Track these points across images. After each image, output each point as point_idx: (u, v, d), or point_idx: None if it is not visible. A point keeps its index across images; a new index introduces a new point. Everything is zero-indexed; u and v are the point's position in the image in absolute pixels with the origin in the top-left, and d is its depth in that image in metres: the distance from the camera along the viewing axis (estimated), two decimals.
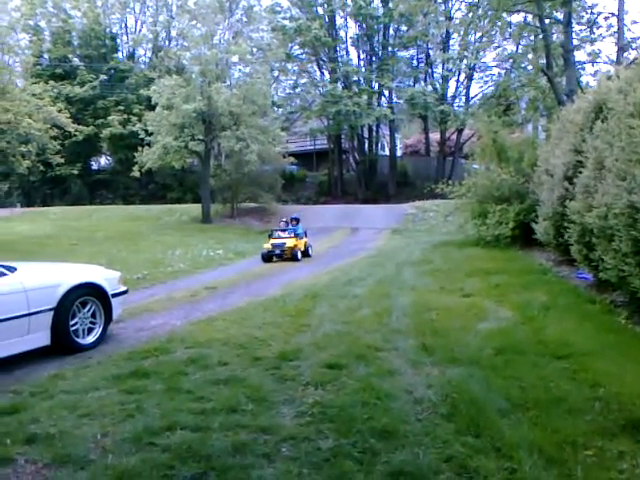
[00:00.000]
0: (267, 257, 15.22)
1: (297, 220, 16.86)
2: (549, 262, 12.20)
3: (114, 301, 7.10)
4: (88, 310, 6.82)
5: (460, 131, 37.50)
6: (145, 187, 38.03)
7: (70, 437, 4.13)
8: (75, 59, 39.56)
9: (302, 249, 15.79)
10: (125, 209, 30.21)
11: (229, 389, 5.10)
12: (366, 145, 39.77)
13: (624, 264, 7.22)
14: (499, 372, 5.41)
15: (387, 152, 40.62)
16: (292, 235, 15.69)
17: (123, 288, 7.58)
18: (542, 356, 5.87)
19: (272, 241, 15.48)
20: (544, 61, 21.94)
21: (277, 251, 15.15)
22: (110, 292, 7.05)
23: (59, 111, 20.00)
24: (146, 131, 26.44)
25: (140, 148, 26.86)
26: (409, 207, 27.02)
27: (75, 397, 4.95)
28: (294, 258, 15.13)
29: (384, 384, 5.08)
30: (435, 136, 41.49)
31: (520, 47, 31.00)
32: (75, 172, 35.72)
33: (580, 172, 9.59)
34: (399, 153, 43.65)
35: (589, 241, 8.94)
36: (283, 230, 16.02)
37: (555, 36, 23.17)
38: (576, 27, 22.70)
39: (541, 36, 21.61)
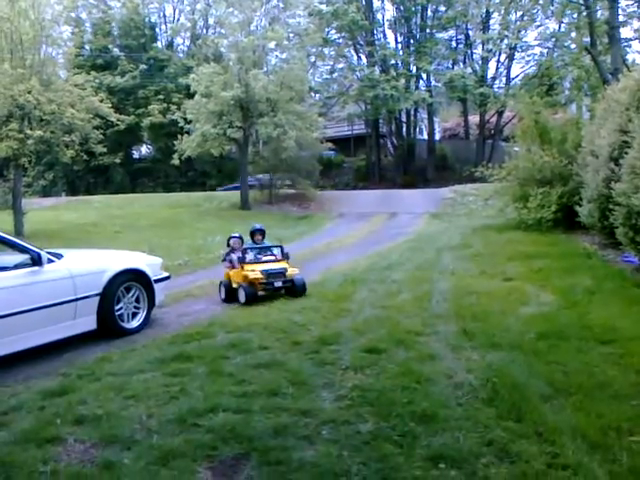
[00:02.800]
0: (252, 296, 8.21)
1: (263, 233, 9.35)
2: (593, 245, 11.90)
3: (157, 286, 7.26)
4: (132, 295, 6.99)
5: (500, 113, 36.72)
6: (185, 175, 38.53)
7: (116, 418, 4.26)
8: (115, 49, 40.24)
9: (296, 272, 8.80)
10: (166, 197, 30.70)
11: (269, 373, 5.17)
12: (404, 129, 39.33)
13: None
14: (541, 357, 5.33)
15: (425, 136, 40.11)
16: (279, 256, 8.96)
17: (165, 274, 7.74)
18: (586, 341, 5.75)
19: (259, 267, 8.53)
20: (588, 39, 21.28)
21: (277, 282, 8.49)
22: (153, 278, 7.21)
23: (101, 101, 20.33)
24: (185, 119, 26.71)
25: (179, 136, 27.18)
26: (448, 191, 26.66)
27: (121, 379, 5.10)
28: (299, 290, 8.46)
29: (424, 368, 5.07)
30: (474, 119, 40.73)
31: (563, 25, 30.11)
32: (117, 161, 36.48)
33: (626, 153, 9.31)
34: (437, 137, 43.06)
35: (635, 223, 8.70)
36: (260, 250, 9.04)
37: (599, 13, 22.40)
38: (622, 2, 21.89)
39: (585, 13, 20.94)
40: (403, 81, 34.19)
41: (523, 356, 5.36)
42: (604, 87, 15.80)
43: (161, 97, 36.21)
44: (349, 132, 41.82)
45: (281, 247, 9.11)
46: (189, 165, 35.67)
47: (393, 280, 9.27)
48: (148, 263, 7.41)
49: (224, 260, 9.26)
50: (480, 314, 6.76)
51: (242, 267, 8.54)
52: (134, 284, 7.01)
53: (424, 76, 38.06)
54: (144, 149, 44.62)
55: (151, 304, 7.20)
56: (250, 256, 8.82)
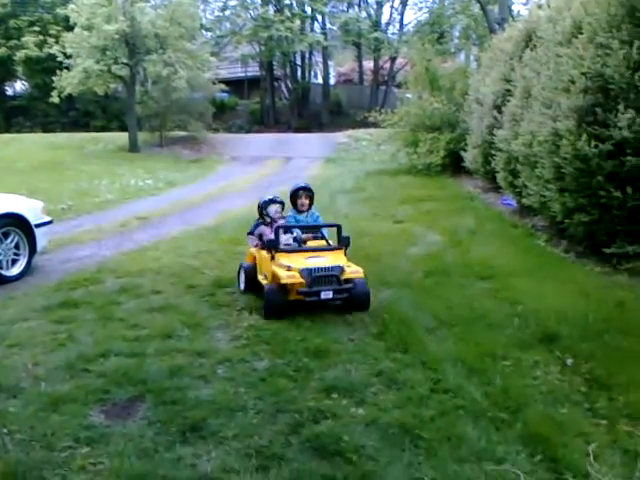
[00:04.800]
0: (277, 309, 5.03)
1: (311, 196, 5.91)
2: (477, 189, 12.59)
3: (38, 232, 6.82)
4: (11, 241, 6.53)
5: (393, 59, 37.16)
6: (66, 114, 35.91)
7: None
8: None
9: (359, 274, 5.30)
10: (45, 137, 28.58)
11: (163, 316, 5.10)
12: (299, 73, 38.84)
13: (545, 190, 7.55)
14: (428, 293, 5.65)
15: (320, 80, 39.87)
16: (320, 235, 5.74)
17: (47, 218, 7.27)
18: (468, 277, 6.16)
19: (300, 261, 5.13)
20: None
21: (327, 292, 5.02)
22: (33, 222, 6.76)
23: None
24: (64, 54, 24.68)
25: (59, 72, 25.16)
26: (342, 136, 26.89)
27: (2, 328, 4.82)
28: (361, 304, 5.21)
29: (317, 308, 5.20)
30: (369, 64, 40.96)
31: None
32: None
33: (508, 101, 9.80)
34: (332, 81, 42.95)
35: (514, 168, 9.26)
36: (304, 229, 5.64)
37: None
38: None
39: None
40: (298, 22, 33.51)
41: (411, 293, 5.65)
42: (491, 36, 16.40)
43: (37, 29, 33.11)
44: (243, 74, 40.68)
45: (338, 226, 5.42)
46: (71, 104, 33.28)
47: None
48: (28, 207, 6.92)
49: (250, 234, 5.95)
50: (373, 255, 6.99)
51: (272, 256, 5.19)
52: (12, 229, 6.54)
53: (319, 18, 37.52)
54: (19, 85, 40.98)
55: (32, 250, 6.77)
56: (287, 238, 5.43)
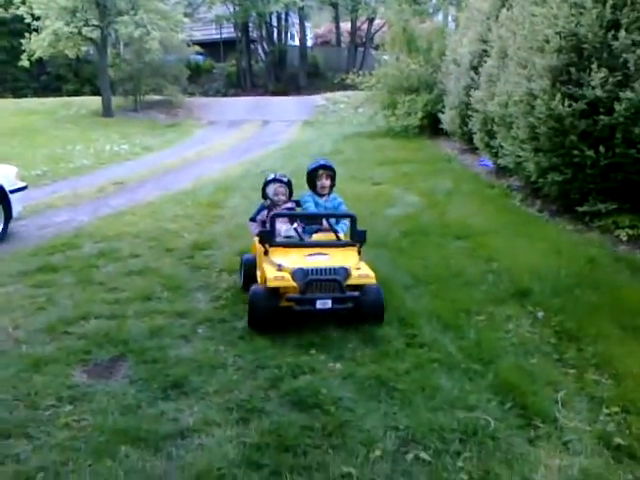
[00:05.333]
0: (261, 318, 4.04)
1: (332, 175, 4.83)
2: (454, 151, 12.65)
3: (12, 197, 6.74)
4: None
5: (371, 20, 36.62)
6: (37, 79, 34.97)
7: None
8: None
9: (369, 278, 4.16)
10: (16, 103, 27.83)
11: (143, 279, 5.13)
12: (275, 34, 38.15)
13: (521, 150, 7.63)
14: (405, 253, 5.74)
15: (297, 42, 39.22)
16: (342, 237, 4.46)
17: (22, 184, 7.17)
18: (444, 237, 6.26)
19: (295, 259, 4.12)
20: None
21: (324, 300, 3.95)
22: (7, 188, 6.67)
23: None
24: (32, 15, 23.93)
25: (27, 35, 24.41)
26: (320, 99, 26.64)
27: None
28: (371, 313, 4.09)
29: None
30: (346, 26, 40.34)
31: None
32: None
33: (485, 61, 9.79)
34: (309, 43, 42.27)
35: (490, 129, 9.32)
36: (311, 219, 4.63)
37: None
38: None
39: None
40: None
41: (389, 253, 5.73)
42: None
43: None
44: (218, 36, 39.80)
45: (352, 217, 4.32)
46: (42, 68, 32.39)
47: None
48: (1, 173, 6.82)
49: (252, 220, 4.91)
50: None
51: (265, 250, 4.23)
52: None
53: None
54: None
55: (8, 216, 6.70)
56: (287, 229, 4.40)
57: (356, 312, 4.03)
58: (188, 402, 3.15)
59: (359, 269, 4.10)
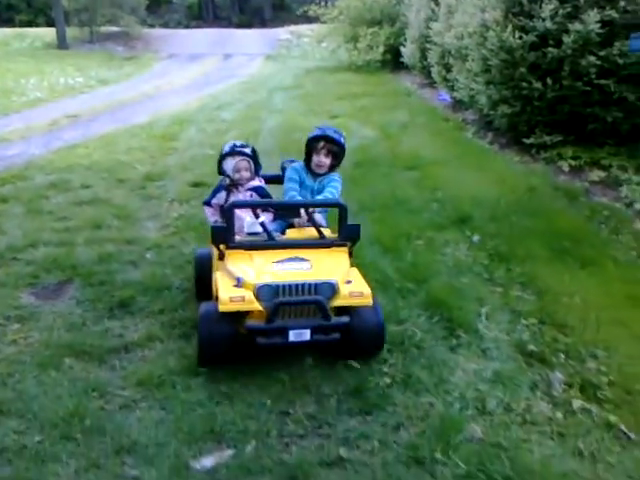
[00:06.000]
0: (214, 350, 2.82)
1: (338, 153, 3.47)
2: (414, 85, 12.64)
3: None
4: None
5: None
6: None
7: None
8: None
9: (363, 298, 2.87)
10: None
11: (93, 209, 5.17)
12: None
13: (474, 83, 7.72)
14: (355, 182, 5.84)
15: None
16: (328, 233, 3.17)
17: None
18: (394, 168, 6.40)
19: (268, 272, 2.85)
20: None
21: (300, 332, 2.77)
22: None
23: None
24: None
25: None
26: (284, 32, 26.04)
27: None
28: (367, 344, 2.97)
29: None
30: None
31: None
32: None
33: None
34: None
35: (447, 62, 9.35)
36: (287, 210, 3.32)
37: None
38: None
39: None
40: None
41: None
42: None
43: None
44: None
45: (341, 206, 3.04)
46: None
47: (223, 120, 9.27)
48: None
49: (207, 204, 3.63)
50: (302, 148, 7.09)
51: (219, 252, 3.05)
52: None
53: None
54: None
55: None
56: (251, 223, 3.12)
57: (344, 343, 2.87)
58: (133, 320, 3.29)
59: (350, 283, 2.87)
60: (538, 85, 6.45)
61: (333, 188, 3.43)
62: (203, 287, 3.34)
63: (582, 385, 2.83)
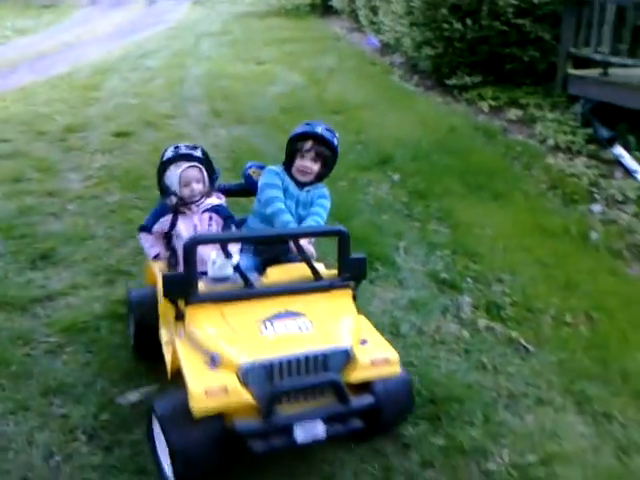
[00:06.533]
0: (204, 463, 1.91)
1: (328, 154, 2.63)
2: (343, 30, 12.52)
3: None
4: None
5: None
6: None
7: None
8: None
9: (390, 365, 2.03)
10: None
11: (12, 162, 5.03)
12: None
13: (399, 25, 7.76)
14: (280, 127, 5.85)
15: None
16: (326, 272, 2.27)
17: None
18: (321, 112, 6.41)
19: (254, 340, 1.94)
20: None
21: (310, 427, 1.89)
22: None
23: None
24: None
25: None
26: None
27: None
28: (393, 422, 2.22)
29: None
30: None
31: None
32: None
33: None
34: None
35: (374, 5, 9.32)
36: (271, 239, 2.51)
37: None
38: None
39: None
40: None
41: (265, 128, 5.88)
42: None
43: None
44: None
45: (342, 234, 2.16)
46: None
47: (147, 68, 9.01)
48: None
49: (146, 230, 2.59)
50: (231, 95, 7.04)
51: (177, 310, 2.08)
52: None
53: None
54: None
55: None
56: (221, 264, 2.15)
57: (371, 427, 2.06)
58: (56, 270, 3.30)
59: (366, 343, 2.06)
60: (458, 26, 6.56)
61: (321, 208, 2.63)
62: (145, 343, 2.51)
63: (488, 306, 3.07)
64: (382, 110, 6.43)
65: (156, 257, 2.57)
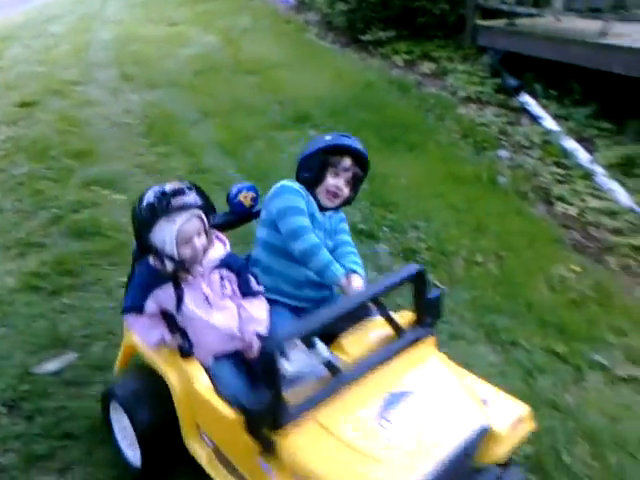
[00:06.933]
0: None
1: (360, 172, 2.15)
2: None
3: None
4: None
5: None
6: None
7: None
8: None
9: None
10: None
11: None
12: None
13: None
14: (196, 91, 5.78)
15: None
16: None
17: None
18: (236, 73, 6.35)
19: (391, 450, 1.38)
20: None
21: None
22: None
23: None
24: None
25: None
26: None
27: None
28: None
29: (81, 114, 5.12)
30: None
31: None
32: None
33: None
34: None
35: None
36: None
37: None
38: None
39: None
40: None
41: (179, 92, 5.74)
42: None
43: None
44: None
45: (419, 273, 1.68)
46: None
47: (52, 34, 8.53)
48: None
49: (135, 309, 1.83)
50: (142, 59, 6.78)
51: (262, 443, 1.45)
52: None
53: None
54: None
55: None
56: (303, 362, 1.53)
57: None
58: None
59: (486, 402, 1.62)
60: None
61: (348, 235, 2.24)
62: (158, 461, 1.89)
63: (404, 253, 3.18)
64: (298, 68, 6.39)
65: (158, 342, 1.83)
